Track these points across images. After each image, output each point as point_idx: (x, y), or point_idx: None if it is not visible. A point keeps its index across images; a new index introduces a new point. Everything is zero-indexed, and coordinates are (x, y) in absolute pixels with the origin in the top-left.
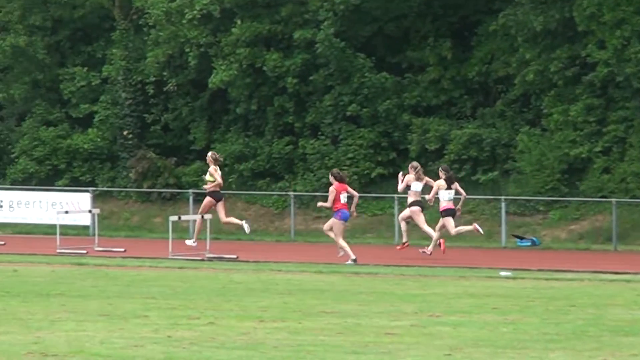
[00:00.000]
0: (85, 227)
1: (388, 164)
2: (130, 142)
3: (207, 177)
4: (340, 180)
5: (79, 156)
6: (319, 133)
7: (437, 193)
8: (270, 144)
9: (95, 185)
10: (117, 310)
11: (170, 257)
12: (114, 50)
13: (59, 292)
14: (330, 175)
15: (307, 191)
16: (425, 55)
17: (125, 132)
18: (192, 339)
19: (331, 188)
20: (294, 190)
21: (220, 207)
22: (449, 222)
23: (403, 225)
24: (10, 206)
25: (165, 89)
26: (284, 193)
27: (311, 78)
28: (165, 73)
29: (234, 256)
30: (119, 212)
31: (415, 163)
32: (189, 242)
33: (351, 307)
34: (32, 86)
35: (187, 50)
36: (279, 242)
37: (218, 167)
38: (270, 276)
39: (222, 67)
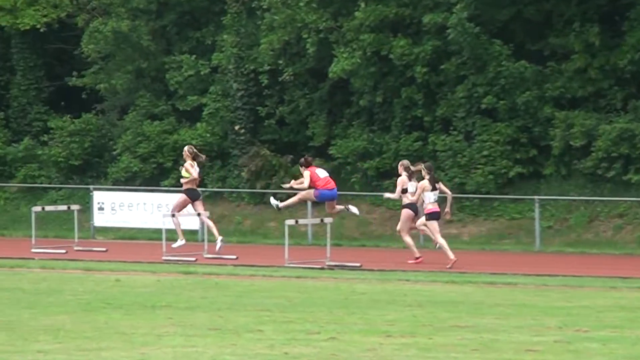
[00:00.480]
0: (194, 232)
1: (528, 162)
2: (242, 137)
3: (183, 172)
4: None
5: None
6: (451, 128)
7: (422, 195)
8: (397, 140)
9: (204, 186)
10: (229, 323)
11: (286, 265)
12: (225, 36)
13: (165, 304)
14: (301, 166)
15: None
16: (569, 42)
17: (236, 127)
18: (312, 356)
19: (305, 173)
20: None
21: (200, 206)
22: (433, 225)
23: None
24: (112, 208)
25: (280, 79)
26: None
27: (442, 67)
28: (280, 61)
29: (357, 264)
30: (230, 215)
31: (405, 161)
32: (175, 245)
33: (487, 320)
34: (135, 76)
35: (305, 36)
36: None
37: (195, 163)
38: (398, 286)
39: (344, 55)
